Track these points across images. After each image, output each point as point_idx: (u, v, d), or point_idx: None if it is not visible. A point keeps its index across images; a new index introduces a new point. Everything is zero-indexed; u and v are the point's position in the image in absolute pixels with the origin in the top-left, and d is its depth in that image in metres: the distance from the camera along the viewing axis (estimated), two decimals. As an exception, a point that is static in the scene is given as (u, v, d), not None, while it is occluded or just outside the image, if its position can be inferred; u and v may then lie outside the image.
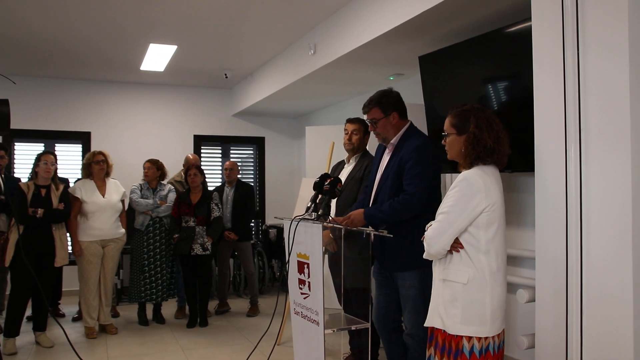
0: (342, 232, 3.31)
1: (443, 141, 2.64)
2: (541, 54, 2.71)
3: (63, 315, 6.09)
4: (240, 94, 7.76)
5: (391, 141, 3.27)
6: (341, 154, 4.42)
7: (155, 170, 5.77)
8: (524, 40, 3.01)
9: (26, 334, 5.04)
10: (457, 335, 2.45)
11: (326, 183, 3.20)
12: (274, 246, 7.45)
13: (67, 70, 6.95)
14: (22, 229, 4.70)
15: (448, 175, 4.38)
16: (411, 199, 3.03)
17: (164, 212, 5.66)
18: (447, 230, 2.46)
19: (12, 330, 4.76)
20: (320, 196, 3.24)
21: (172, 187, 5.90)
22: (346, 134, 4.13)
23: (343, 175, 4.02)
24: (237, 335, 5.35)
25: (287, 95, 6.64)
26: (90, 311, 5.26)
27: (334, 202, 3.94)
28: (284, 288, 7.45)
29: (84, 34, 5.40)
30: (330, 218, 3.32)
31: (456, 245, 2.48)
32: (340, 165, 4.26)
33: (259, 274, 7.04)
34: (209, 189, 6.06)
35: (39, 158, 4.91)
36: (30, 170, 4.99)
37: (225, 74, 6.94)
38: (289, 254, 3.25)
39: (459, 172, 2.56)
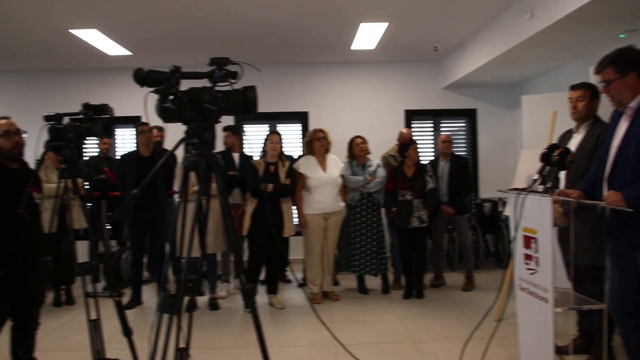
0: (572, 206, 3.11)
1: None
2: None
3: (289, 282, 6.62)
4: (449, 66, 7.64)
5: (630, 105, 2.90)
6: (563, 123, 4.12)
7: (367, 146, 5.90)
8: None
9: (260, 296, 5.57)
10: None
11: (555, 154, 3.02)
12: (488, 220, 7.28)
13: (284, 55, 7.48)
14: (256, 203, 5.22)
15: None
16: None
17: (374, 187, 5.77)
18: None
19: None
20: (547, 168, 3.07)
21: (380, 163, 6.01)
22: (571, 102, 3.83)
23: (572, 145, 3.73)
24: (454, 308, 5.35)
25: (500, 64, 6.38)
26: (314, 279, 5.66)
27: (562, 174, 3.71)
28: (499, 263, 7.26)
29: (298, 19, 5.75)
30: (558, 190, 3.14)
31: None
32: (567, 135, 3.95)
33: (473, 248, 6.93)
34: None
35: (266, 138, 5.40)
36: (260, 149, 5.49)
37: (435, 47, 6.87)
38: (516, 229, 3.14)
39: None
